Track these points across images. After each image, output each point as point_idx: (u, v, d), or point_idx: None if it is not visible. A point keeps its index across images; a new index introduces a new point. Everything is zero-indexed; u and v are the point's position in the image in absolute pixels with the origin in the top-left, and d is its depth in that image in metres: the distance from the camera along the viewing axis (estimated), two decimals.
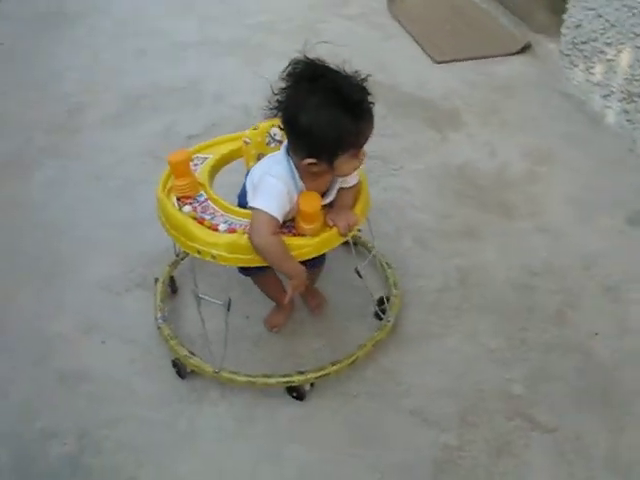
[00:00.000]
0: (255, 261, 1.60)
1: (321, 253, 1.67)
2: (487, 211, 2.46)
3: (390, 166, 2.68)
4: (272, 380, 1.77)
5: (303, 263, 1.63)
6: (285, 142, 1.63)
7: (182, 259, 2.13)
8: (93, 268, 2.22)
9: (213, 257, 1.59)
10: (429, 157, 2.73)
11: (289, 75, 1.53)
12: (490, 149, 2.78)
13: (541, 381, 1.85)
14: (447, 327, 2.01)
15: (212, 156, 1.88)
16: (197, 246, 1.60)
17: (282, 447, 1.69)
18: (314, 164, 1.54)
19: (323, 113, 1.47)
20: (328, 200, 1.68)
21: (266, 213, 1.53)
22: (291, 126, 1.55)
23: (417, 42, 3.57)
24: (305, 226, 1.61)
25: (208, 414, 1.76)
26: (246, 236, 1.57)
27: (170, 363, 1.87)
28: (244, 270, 1.84)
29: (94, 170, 2.70)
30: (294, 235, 1.62)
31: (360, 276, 1.85)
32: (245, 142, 1.85)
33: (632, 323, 2.01)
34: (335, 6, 4.04)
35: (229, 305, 1.69)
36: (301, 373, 1.78)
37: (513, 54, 3.43)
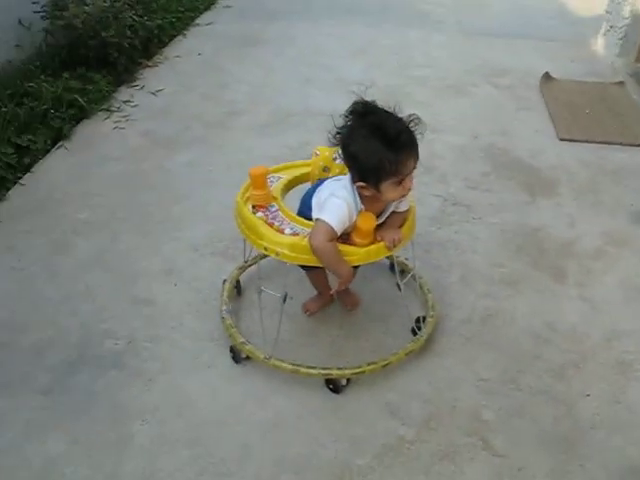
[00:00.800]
0: (311, 261, 1.91)
1: (368, 262, 1.97)
2: (539, 270, 2.63)
3: (471, 215, 2.93)
4: (314, 371, 2.05)
5: None
6: None
7: (249, 265, 2.42)
8: (192, 231, 2.74)
9: (277, 254, 1.91)
10: (510, 214, 2.94)
11: (348, 112, 1.88)
12: (570, 221, 2.92)
13: (514, 416, 2.02)
14: (451, 350, 2.24)
15: (286, 176, 2.24)
16: (265, 244, 1.93)
17: (271, 395, 2.05)
18: (364, 187, 1.87)
19: (366, 144, 1.80)
20: (380, 221, 1.99)
21: (328, 224, 1.86)
22: (345, 154, 1.91)
23: (550, 117, 3.77)
24: (358, 240, 1.92)
25: (227, 359, 2.17)
26: (307, 239, 1.90)
27: (219, 318, 2.26)
28: (302, 266, 2.22)
29: (227, 161, 3.26)
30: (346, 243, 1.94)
31: (400, 289, 2.15)
32: (315, 153, 2.20)
33: (628, 397, 2.10)
34: (492, 75, 4.34)
35: (285, 298, 2.01)
36: (339, 369, 2.06)
37: (638, 145, 3.50)
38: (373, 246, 1.94)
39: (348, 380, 2.08)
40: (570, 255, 2.72)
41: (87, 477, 1.80)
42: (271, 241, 1.94)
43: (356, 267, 2.07)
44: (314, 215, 1.96)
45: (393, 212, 2.03)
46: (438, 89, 4.09)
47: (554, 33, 5.07)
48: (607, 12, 4.66)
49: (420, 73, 4.34)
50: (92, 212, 2.86)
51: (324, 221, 1.87)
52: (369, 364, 2.09)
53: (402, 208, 2.04)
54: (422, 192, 3.07)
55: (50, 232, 2.73)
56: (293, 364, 2.07)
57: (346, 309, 2.39)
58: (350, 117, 1.87)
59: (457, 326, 2.34)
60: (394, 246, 1.95)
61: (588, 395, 2.10)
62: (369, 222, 1.90)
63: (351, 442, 1.92)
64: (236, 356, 2.15)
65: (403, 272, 2.46)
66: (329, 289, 2.33)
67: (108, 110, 3.62)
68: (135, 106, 3.71)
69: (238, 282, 2.44)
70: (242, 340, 2.15)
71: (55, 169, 3.15)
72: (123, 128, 3.50)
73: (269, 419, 1.98)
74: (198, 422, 1.97)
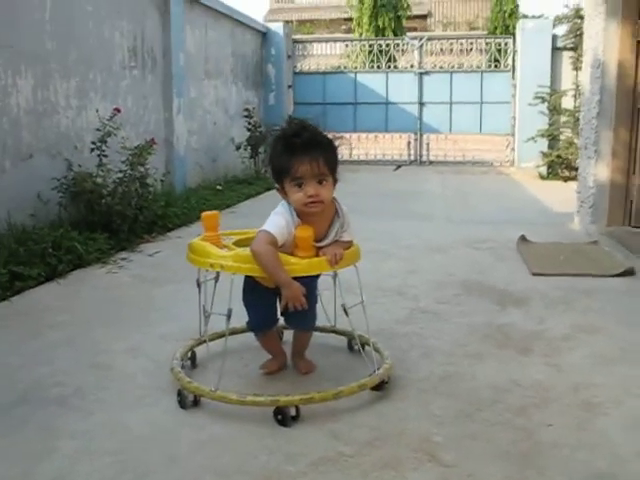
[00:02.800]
0: (254, 270, 2.01)
1: (309, 274, 2.05)
2: (504, 348, 2.59)
3: (438, 317, 2.96)
4: (261, 399, 2.00)
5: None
6: None
7: (204, 340, 2.33)
8: (163, 327, 2.81)
9: (222, 267, 2.03)
10: (478, 317, 2.96)
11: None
12: (540, 319, 2.92)
13: (467, 438, 1.89)
14: (406, 397, 2.15)
15: (237, 237, 2.40)
16: (210, 260, 2.08)
17: (210, 424, 1.97)
18: (278, 189, 2.08)
19: (274, 150, 2.11)
20: (324, 243, 2.12)
21: (265, 230, 2.04)
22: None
23: (524, 261, 3.92)
24: (300, 253, 2.04)
25: (172, 402, 2.13)
26: (248, 249, 2.04)
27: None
28: (252, 328, 2.31)
29: None
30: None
31: (347, 314, 2.17)
32: None
33: (595, 426, 1.96)
34: (472, 242, 4.55)
35: (229, 314, 2.05)
36: (287, 395, 2.00)
37: (612, 276, 3.58)
38: (315, 259, 2.03)
39: (297, 412, 1.99)
40: (537, 338, 2.69)
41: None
42: (216, 257, 2.06)
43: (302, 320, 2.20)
44: None
45: (336, 240, 2.15)
46: (421, 251, 4.32)
47: (534, 221, 5.43)
48: (577, 192, 5.05)
49: (406, 243, 4.60)
50: (71, 317, 2.96)
51: (262, 229, 2.03)
52: (319, 392, 2.03)
53: (345, 238, 2.17)
54: (391, 302, 3.15)
55: (26, 326, 2.83)
56: (239, 393, 2.02)
57: (300, 373, 2.34)
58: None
59: (413, 382, 2.27)
60: (336, 262, 2.03)
61: (550, 425, 1.97)
62: (306, 231, 2.03)
63: (286, 455, 1.80)
64: (183, 400, 2.09)
65: (363, 346, 2.47)
66: (283, 352, 2.36)
67: (104, 262, 3.89)
68: (130, 261, 3.98)
69: (194, 354, 2.44)
70: (188, 380, 2.12)
71: (44, 293, 3.32)
72: (116, 272, 3.73)
73: (202, 439, 1.89)
74: (127, 439, 1.88)
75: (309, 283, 2.17)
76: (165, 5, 6.10)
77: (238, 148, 7.63)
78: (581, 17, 8.25)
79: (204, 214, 2.28)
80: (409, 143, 10.33)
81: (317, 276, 2.26)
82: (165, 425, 1.97)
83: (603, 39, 4.51)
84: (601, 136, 4.62)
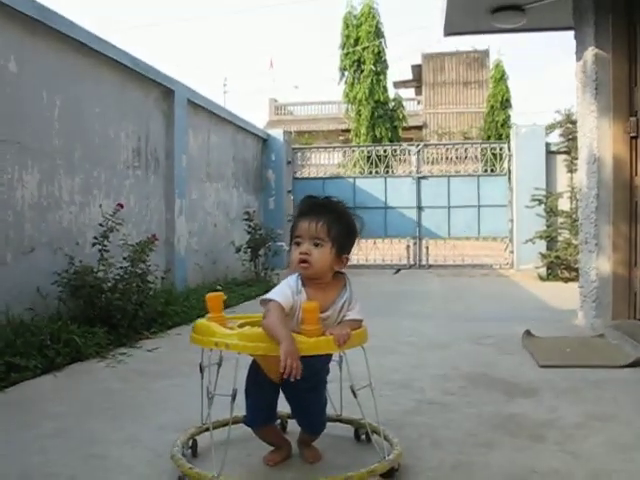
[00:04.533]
0: (260, 349, 1.96)
1: (315, 354, 1.98)
2: (516, 437, 2.48)
3: (446, 409, 2.85)
4: None
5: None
6: None
7: (206, 429, 2.26)
8: (162, 418, 2.70)
9: (227, 346, 1.98)
10: (488, 407, 2.85)
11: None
12: (551, 408, 2.82)
13: None
14: None
15: (242, 320, 2.39)
16: (215, 339, 2.02)
17: None
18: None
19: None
20: (327, 314, 2.08)
21: (270, 299, 2.02)
22: None
23: (530, 354, 3.84)
24: (305, 327, 1.98)
25: None
26: (254, 329, 2.03)
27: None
28: (249, 422, 2.22)
29: None
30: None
31: (355, 395, 2.08)
32: None
33: None
34: (476, 338, 4.49)
35: (234, 395, 1.98)
36: None
37: (622, 367, 3.50)
38: (322, 338, 1.98)
39: None
40: (550, 427, 2.58)
41: None
42: (221, 335, 2.02)
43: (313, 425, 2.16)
44: None
45: (342, 320, 2.12)
46: (423, 347, 4.24)
47: (537, 317, 5.37)
48: (580, 287, 5.03)
49: (408, 340, 4.52)
50: (66, 408, 2.85)
51: (267, 298, 2.03)
52: (327, 477, 1.92)
53: (351, 315, 2.13)
54: (397, 395, 3.05)
55: (18, 417, 2.72)
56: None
57: (307, 462, 2.23)
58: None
59: (424, 471, 2.16)
60: (343, 342, 1.98)
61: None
62: (311, 304, 1.99)
63: None
64: None
65: (371, 434, 2.38)
66: (287, 442, 2.27)
67: (103, 357, 3.80)
68: (129, 356, 3.89)
69: (195, 443, 2.33)
70: (189, 466, 2.01)
71: (40, 384, 3.22)
72: (114, 367, 3.63)
73: None
74: None
75: (317, 370, 2.14)
76: (169, 109, 6.34)
77: (238, 250, 7.67)
78: (572, 122, 8.59)
79: (208, 295, 2.25)
80: (408, 247, 10.44)
81: (324, 365, 2.21)
82: None
83: (597, 136, 4.65)
84: (601, 230, 4.66)
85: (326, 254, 2.07)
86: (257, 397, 2.15)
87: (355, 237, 2.16)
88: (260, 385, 2.13)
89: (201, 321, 2.17)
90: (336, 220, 2.09)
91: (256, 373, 2.13)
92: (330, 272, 2.11)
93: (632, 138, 4.59)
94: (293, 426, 2.38)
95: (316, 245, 2.06)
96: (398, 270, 10.09)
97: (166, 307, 4.95)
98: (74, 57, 4.80)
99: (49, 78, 4.50)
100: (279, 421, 2.44)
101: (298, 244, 2.08)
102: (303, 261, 2.06)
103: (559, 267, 8.79)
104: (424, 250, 10.36)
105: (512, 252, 9.82)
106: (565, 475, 2.11)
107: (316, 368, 2.13)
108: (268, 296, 2.03)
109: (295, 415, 2.24)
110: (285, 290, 2.05)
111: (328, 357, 2.19)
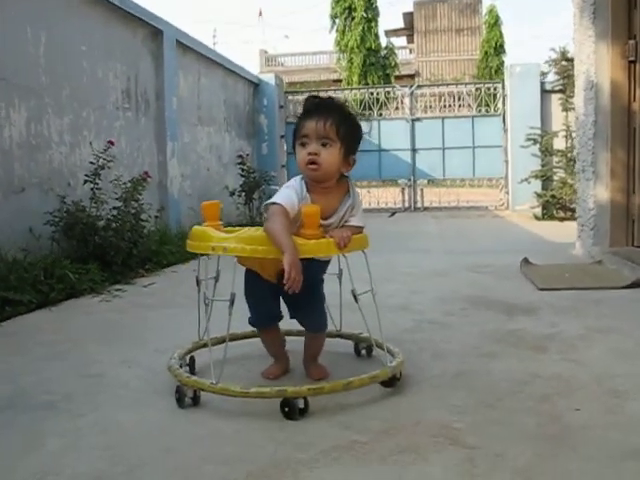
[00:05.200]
0: (258, 252, 1.88)
1: (316, 255, 1.93)
2: (518, 348, 2.46)
3: (447, 327, 2.83)
4: (267, 389, 1.86)
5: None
6: None
7: (204, 344, 2.22)
8: (158, 343, 2.67)
9: (224, 249, 1.90)
10: (487, 325, 2.84)
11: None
12: (552, 324, 2.81)
13: (490, 424, 1.75)
14: (419, 391, 2.02)
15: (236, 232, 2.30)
16: (212, 244, 1.95)
17: (210, 418, 1.82)
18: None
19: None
20: (330, 221, 2.03)
21: (275, 202, 1.92)
22: None
23: (529, 279, 3.82)
24: (306, 231, 1.90)
25: (170, 403, 1.99)
26: (250, 230, 1.99)
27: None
28: (253, 323, 2.18)
29: None
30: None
31: (356, 300, 2.00)
32: None
33: (625, 410, 1.82)
34: (474, 267, 4.43)
35: (232, 300, 1.89)
36: (295, 386, 1.87)
37: (621, 288, 3.48)
38: (323, 240, 1.91)
39: (306, 404, 1.84)
40: (552, 340, 2.57)
41: None
42: (218, 240, 1.95)
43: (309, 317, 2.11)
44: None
45: (344, 225, 2.06)
46: (421, 276, 4.22)
47: (535, 249, 5.34)
48: (578, 216, 5.00)
49: (406, 271, 4.49)
50: (62, 336, 2.82)
51: (271, 201, 1.94)
52: (329, 382, 1.91)
53: (352, 222, 2.07)
54: (397, 317, 3.02)
55: (13, 344, 2.69)
56: (243, 386, 1.88)
57: (313, 379, 2.15)
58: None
59: (426, 379, 2.13)
60: (344, 245, 1.91)
61: (578, 410, 1.83)
62: (313, 208, 1.92)
63: (295, 445, 1.65)
64: (181, 398, 1.93)
65: (370, 350, 2.36)
66: (286, 356, 2.23)
67: (98, 292, 3.76)
68: (124, 292, 3.85)
69: (192, 360, 2.29)
70: (187, 375, 1.98)
71: (35, 318, 3.19)
72: (109, 301, 3.60)
73: (202, 434, 1.74)
74: (119, 435, 1.73)
75: (315, 273, 2.08)
76: (158, 50, 6.17)
77: (232, 194, 7.59)
78: (568, 59, 8.43)
79: (204, 203, 2.19)
80: (403, 190, 10.37)
81: (323, 269, 2.16)
82: (161, 422, 1.82)
83: (594, 61, 4.54)
84: (598, 157, 4.59)
85: (335, 155, 1.98)
86: (258, 298, 2.11)
87: (361, 138, 2.08)
88: (260, 287, 2.08)
89: (196, 227, 2.11)
90: (344, 119, 2.00)
91: (253, 278, 2.08)
92: (337, 175, 2.04)
93: (630, 62, 4.48)
94: (293, 345, 2.35)
95: (324, 145, 1.97)
96: (394, 213, 10.04)
97: (160, 246, 4.90)
98: None
99: (33, 13, 4.34)
100: None
101: (304, 145, 1.99)
102: (312, 162, 1.97)
103: (554, 207, 8.73)
104: (419, 193, 10.29)
105: (507, 193, 9.76)
106: (568, 378, 2.09)
107: (315, 278, 2.09)
108: (273, 199, 1.95)
109: (295, 315, 2.17)
110: (291, 195, 1.95)
111: (327, 261, 2.13)
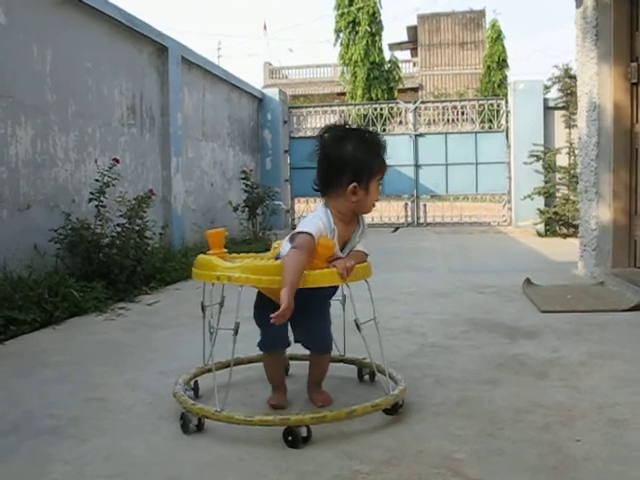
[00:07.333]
0: (262, 282, 1.92)
1: (318, 285, 1.92)
2: (520, 375, 2.47)
3: (449, 351, 2.84)
4: (270, 418, 1.89)
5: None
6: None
7: (208, 369, 2.24)
8: (161, 365, 2.69)
9: (229, 278, 1.93)
10: (489, 349, 2.85)
11: (323, 132, 2.10)
12: (554, 349, 2.82)
13: (492, 455, 1.76)
14: (422, 420, 2.03)
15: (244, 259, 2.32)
16: (217, 273, 1.97)
17: (214, 444, 1.83)
18: (354, 190, 2.00)
19: (360, 148, 2.04)
20: (346, 251, 2.06)
21: (308, 233, 1.92)
22: (334, 162, 2.03)
23: (531, 301, 3.84)
24: (315, 260, 1.92)
25: (174, 428, 2.00)
26: (256, 260, 2.01)
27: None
28: (262, 347, 2.18)
29: None
30: None
31: (359, 329, 2.01)
32: (274, 247, 2.35)
33: (625, 440, 1.83)
34: (476, 288, 4.48)
35: (237, 329, 1.92)
36: (298, 414, 1.90)
37: (623, 311, 3.49)
38: (327, 270, 1.93)
39: (309, 432, 1.85)
40: (554, 365, 2.58)
41: None
42: (223, 268, 1.97)
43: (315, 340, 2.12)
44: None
45: (352, 249, 2.09)
46: (423, 296, 4.23)
47: (537, 268, 5.35)
48: (580, 236, 5.01)
49: (408, 290, 4.51)
50: (66, 357, 2.83)
51: (304, 230, 1.93)
52: (332, 411, 1.92)
53: (359, 247, 2.11)
54: (399, 340, 3.04)
55: (18, 366, 2.71)
56: (246, 414, 1.90)
57: (316, 406, 2.15)
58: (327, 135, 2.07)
59: (429, 407, 2.14)
60: (347, 275, 1.93)
61: (578, 440, 1.84)
62: (327, 242, 1.94)
63: (298, 474, 1.67)
64: (186, 424, 1.95)
65: (373, 375, 2.38)
66: (284, 385, 2.24)
67: (102, 311, 3.78)
68: (128, 310, 3.87)
69: (197, 385, 2.30)
70: (192, 402, 2.00)
71: (39, 337, 3.20)
72: (113, 319, 3.61)
73: (206, 461, 1.75)
74: (124, 463, 1.75)
75: (323, 297, 2.11)
76: (163, 66, 6.23)
77: (236, 209, 7.62)
78: (571, 77, 8.48)
79: (210, 231, 2.22)
80: (406, 205, 10.39)
81: (332, 293, 2.17)
82: (166, 449, 1.84)
83: (597, 83, 4.57)
84: (601, 178, 4.62)
85: None
86: (266, 321, 2.12)
87: None
88: (267, 309, 2.09)
89: (202, 256, 2.13)
90: None
91: (265, 301, 2.09)
92: None
93: (633, 84, 4.52)
94: (296, 370, 2.37)
95: None
96: (396, 228, 10.06)
97: (164, 263, 4.92)
98: (64, 10, 4.68)
99: (39, 31, 4.39)
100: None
101: (380, 183, 2.05)
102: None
103: (557, 223, 8.75)
104: (422, 208, 10.32)
105: (510, 209, 9.78)
106: (569, 407, 2.10)
107: (322, 303, 2.11)
108: (303, 229, 1.94)
109: (301, 337, 2.17)
110: (319, 225, 1.96)
111: (333, 288, 2.15)
